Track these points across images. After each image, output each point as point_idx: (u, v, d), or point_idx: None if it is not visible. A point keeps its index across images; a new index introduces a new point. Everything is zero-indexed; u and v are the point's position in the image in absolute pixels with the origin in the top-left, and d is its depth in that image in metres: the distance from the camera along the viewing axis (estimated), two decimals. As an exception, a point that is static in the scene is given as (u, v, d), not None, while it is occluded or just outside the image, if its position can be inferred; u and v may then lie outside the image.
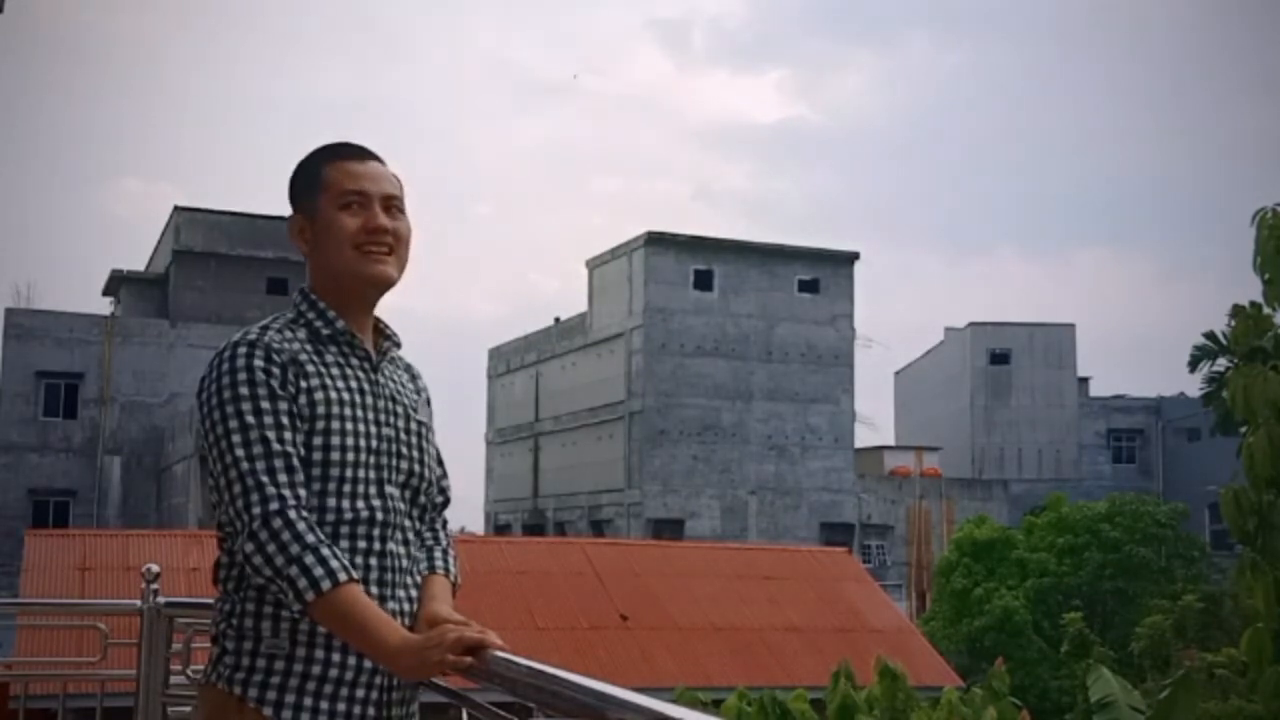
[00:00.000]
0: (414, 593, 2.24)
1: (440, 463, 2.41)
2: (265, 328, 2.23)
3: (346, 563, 2.07)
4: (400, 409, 2.31)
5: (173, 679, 3.86)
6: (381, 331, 2.37)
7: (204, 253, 39.83)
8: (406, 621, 2.18)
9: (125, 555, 18.83)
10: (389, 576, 2.19)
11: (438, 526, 2.40)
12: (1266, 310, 8.87)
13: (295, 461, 2.12)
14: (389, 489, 2.23)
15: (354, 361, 2.28)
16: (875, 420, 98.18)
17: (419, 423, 2.34)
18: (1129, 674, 17.50)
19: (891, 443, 50.35)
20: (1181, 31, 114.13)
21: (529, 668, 1.84)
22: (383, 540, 2.19)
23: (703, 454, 40.25)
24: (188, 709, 3.86)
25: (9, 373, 37.19)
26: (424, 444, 2.34)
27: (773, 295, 41.52)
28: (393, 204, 2.32)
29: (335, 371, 2.24)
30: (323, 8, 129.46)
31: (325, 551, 2.05)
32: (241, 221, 40.32)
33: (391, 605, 2.17)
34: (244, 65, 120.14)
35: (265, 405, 2.13)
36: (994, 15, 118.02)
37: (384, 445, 2.24)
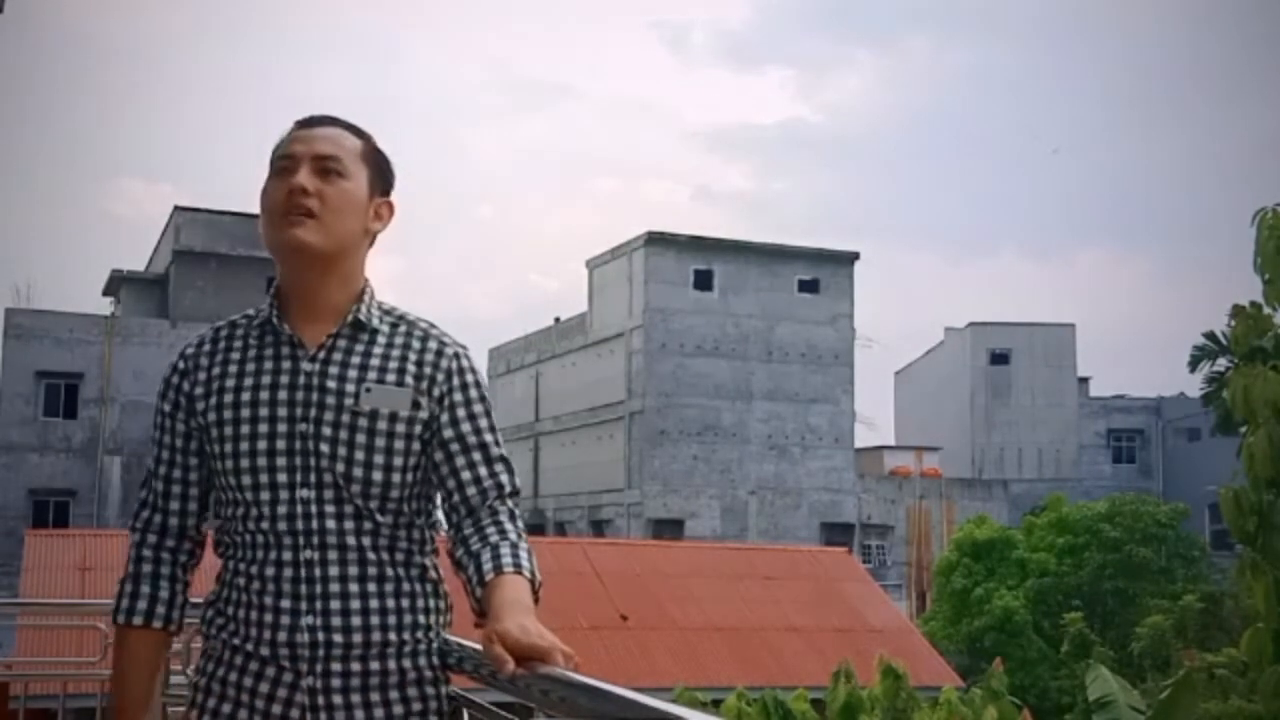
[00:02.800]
0: (357, 603, 1.99)
1: (472, 449, 2.07)
2: (215, 327, 2.18)
3: (146, 606, 2.11)
4: (331, 400, 2.01)
5: (173, 679, 3.85)
6: (359, 311, 2.09)
7: (204, 253, 39.84)
8: (338, 638, 1.97)
9: (125, 555, 18.82)
10: (303, 589, 1.98)
11: (502, 519, 2.05)
12: (1266, 310, 8.88)
13: (168, 486, 2.13)
14: (302, 492, 1.99)
15: (284, 351, 2.06)
16: (875, 420, 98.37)
17: (354, 414, 2.01)
18: (1129, 674, 17.50)
19: (891, 443, 50.35)
20: (1182, 32, 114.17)
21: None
22: (295, 549, 1.99)
23: (703, 454, 40.25)
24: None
25: (9, 373, 37.18)
26: (362, 437, 2.01)
27: (773, 295, 41.52)
28: (326, 164, 2.05)
29: (251, 368, 2.05)
30: (324, 8, 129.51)
31: (135, 586, 2.12)
32: (241, 221, 40.25)
33: (308, 620, 1.97)
34: (244, 65, 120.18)
35: (164, 423, 2.14)
36: (994, 15, 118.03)
37: (296, 445, 2.00)
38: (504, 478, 2.09)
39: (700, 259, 41.06)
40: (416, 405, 2.05)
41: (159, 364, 38.16)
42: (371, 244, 2.15)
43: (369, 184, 2.10)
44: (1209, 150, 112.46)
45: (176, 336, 38.59)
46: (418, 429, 2.05)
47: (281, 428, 2.01)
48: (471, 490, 2.06)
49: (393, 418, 2.03)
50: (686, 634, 19.85)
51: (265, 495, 2.01)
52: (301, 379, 2.03)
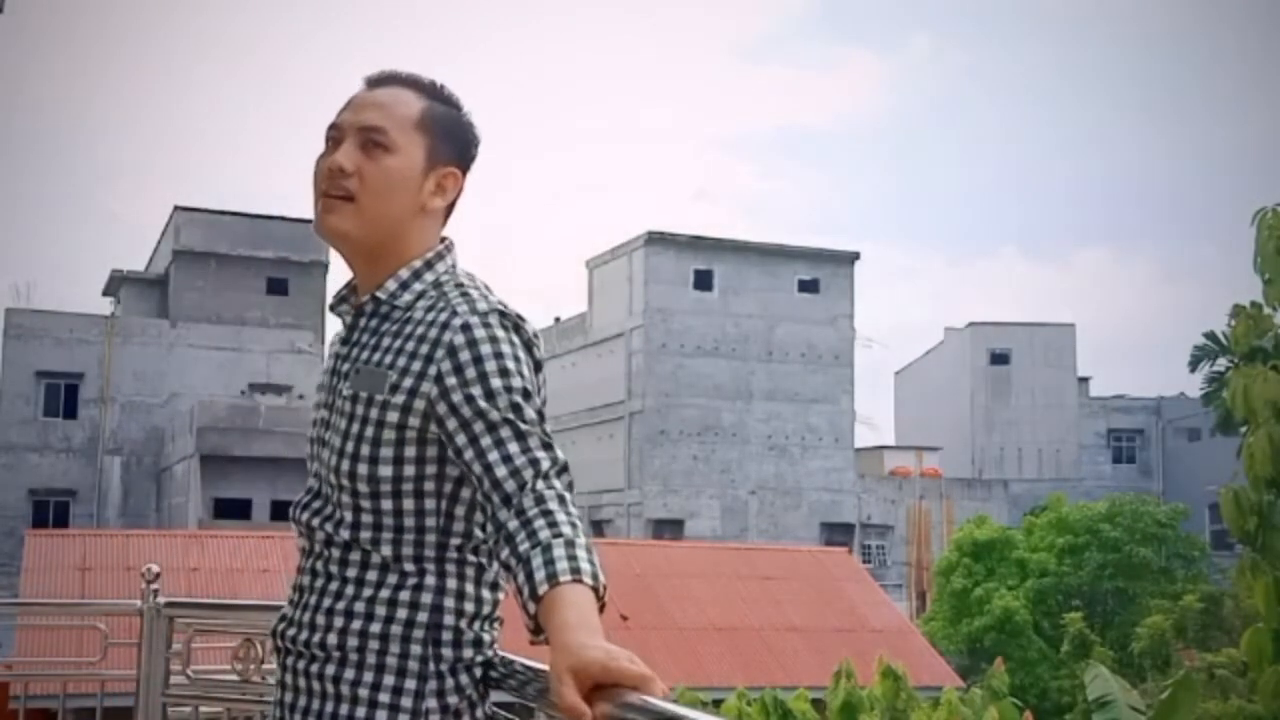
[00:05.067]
0: (313, 599, 1.88)
1: (498, 425, 1.77)
2: None
3: None
4: (339, 384, 1.91)
5: (173, 679, 3.85)
6: (379, 290, 1.93)
7: (204, 253, 39.79)
8: (290, 631, 1.90)
9: (125, 555, 18.86)
10: (296, 579, 1.95)
11: (550, 504, 1.68)
12: (1266, 310, 8.89)
13: None
14: (311, 481, 1.95)
15: (341, 334, 1.99)
16: (875, 420, 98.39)
17: (342, 398, 1.89)
18: (1129, 674, 17.52)
19: (891, 443, 50.32)
20: (1182, 33, 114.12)
21: (529, 668, 1.84)
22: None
23: (703, 454, 40.23)
24: (187, 709, 3.86)
25: (9, 373, 37.16)
26: (342, 423, 1.86)
27: (773, 295, 41.50)
28: (371, 136, 1.88)
29: (331, 355, 2.02)
30: (326, 7, 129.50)
31: None
32: (241, 221, 40.26)
33: (285, 610, 1.95)
34: (245, 65, 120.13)
35: None
36: (994, 16, 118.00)
37: (319, 433, 1.95)
38: (540, 453, 1.74)
39: (700, 259, 41.04)
40: (394, 389, 1.82)
41: (159, 364, 38.20)
42: (448, 216, 1.99)
43: (426, 154, 1.92)
44: (1209, 150, 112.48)
45: (176, 336, 38.59)
46: (393, 416, 1.82)
47: (316, 414, 1.96)
48: (502, 471, 1.72)
49: (369, 402, 1.83)
50: (686, 634, 19.85)
51: (307, 481, 1.98)
52: (333, 363, 1.96)
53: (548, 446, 1.76)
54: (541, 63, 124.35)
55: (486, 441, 1.75)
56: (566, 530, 1.64)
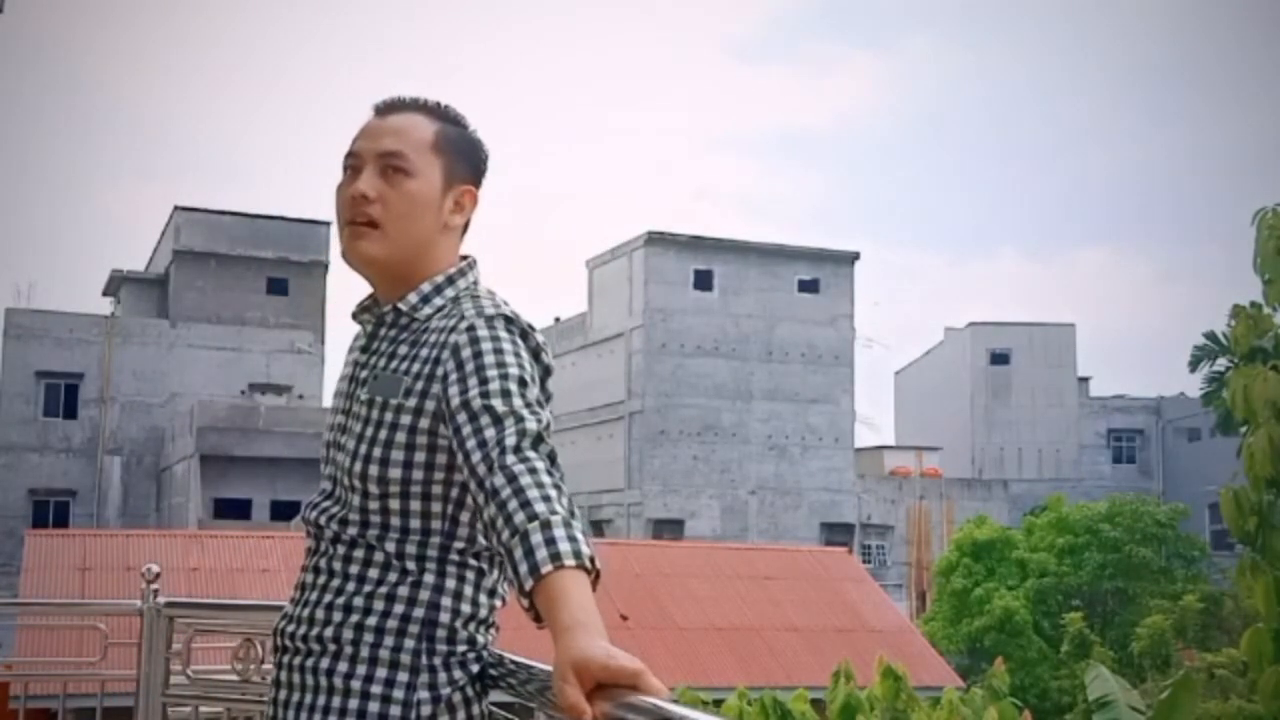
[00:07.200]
0: (314, 595, 1.93)
1: (478, 414, 1.75)
2: None
3: None
4: (357, 391, 1.97)
5: (173, 679, 3.86)
6: (400, 301, 1.99)
7: (204, 253, 39.80)
8: (290, 627, 1.93)
9: (125, 555, 18.85)
10: (300, 576, 2.00)
11: (522, 481, 1.64)
12: (1266, 310, 8.90)
13: None
14: (324, 484, 2.00)
15: (359, 344, 2.06)
16: (875, 420, 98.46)
17: (358, 403, 1.95)
18: (1129, 674, 17.52)
19: (891, 443, 50.29)
20: (1182, 32, 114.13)
21: (528, 666, 1.84)
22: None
23: (703, 454, 40.22)
24: (187, 709, 3.86)
25: (9, 373, 37.17)
26: (357, 426, 1.92)
27: (773, 295, 41.48)
28: (391, 163, 1.94)
29: (350, 362, 2.08)
30: (327, 9, 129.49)
31: None
32: (241, 221, 40.26)
33: (287, 609, 1.98)
34: (245, 65, 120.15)
35: None
36: (993, 16, 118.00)
37: (332, 436, 2.01)
38: (510, 429, 1.70)
39: (700, 259, 41.02)
40: (408, 393, 1.88)
41: (159, 364, 38.20)
42: (465, 231, 2.05)
43: (444, 175, 1.97)
44: (1209, 150, 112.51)
45: (176, 336, 38.59)
46: (406, 420, 1.87)
47: (333, 419, 2.02)
48: (476, 456, 1.70)
49: (384, 406, 1.89)
50: (686, 634, 19.84)
51: (320, 484, 2.03)
52: (352, 370, 2.02)
53: (519, 420, 1.72)
54: (541, 63, 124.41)
55: (467, 430, 1.74)
56: (540, 508, 1.59)
